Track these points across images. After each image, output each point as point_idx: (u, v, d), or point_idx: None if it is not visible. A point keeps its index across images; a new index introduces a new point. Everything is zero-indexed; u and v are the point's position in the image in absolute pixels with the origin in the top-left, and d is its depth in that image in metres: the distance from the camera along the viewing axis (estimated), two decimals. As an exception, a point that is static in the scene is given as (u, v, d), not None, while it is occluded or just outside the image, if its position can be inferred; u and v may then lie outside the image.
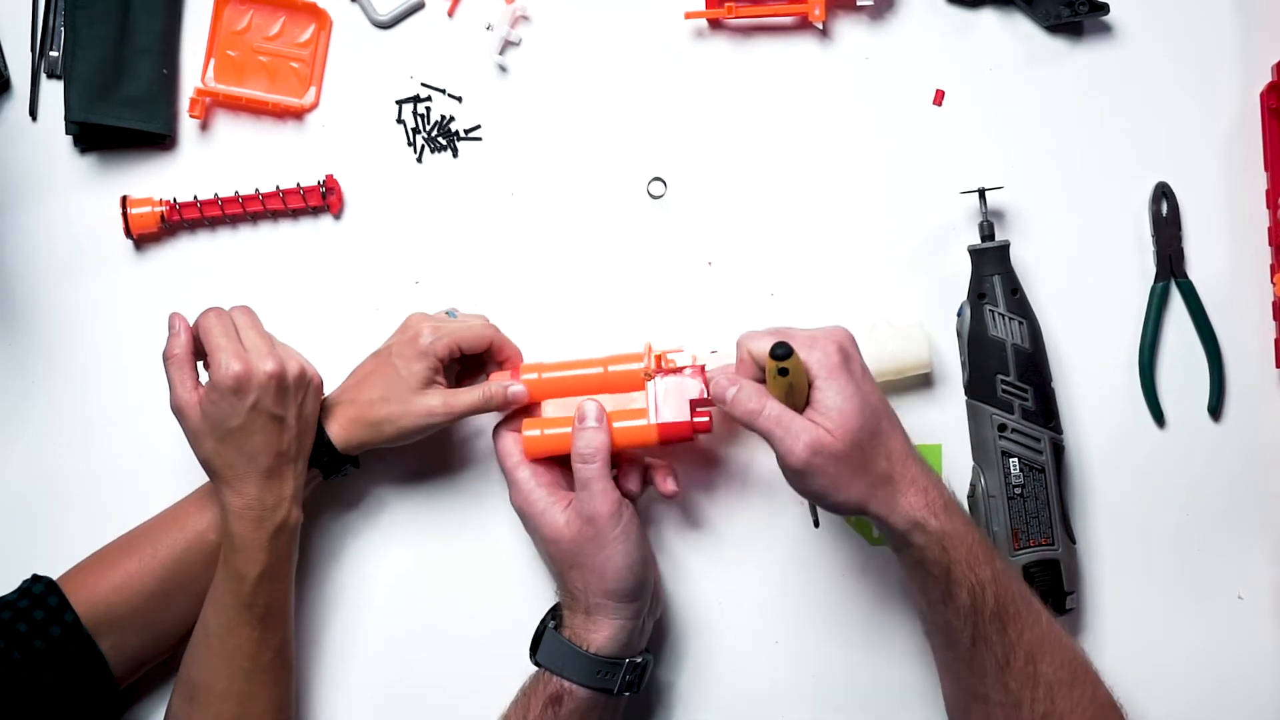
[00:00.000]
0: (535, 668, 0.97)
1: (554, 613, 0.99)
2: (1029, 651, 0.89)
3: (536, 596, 1.05)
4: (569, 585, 0.96)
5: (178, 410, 0.96)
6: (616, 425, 0.98)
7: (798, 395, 0.90)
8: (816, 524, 1.00)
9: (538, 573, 1.06)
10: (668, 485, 1.00)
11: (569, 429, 0.97)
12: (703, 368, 0.98)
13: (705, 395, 0.98)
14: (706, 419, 0.99)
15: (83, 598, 0.98)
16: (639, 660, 0.97)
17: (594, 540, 0.94)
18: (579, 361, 1.01)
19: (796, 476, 0.90)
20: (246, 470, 0.94)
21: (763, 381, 0.92)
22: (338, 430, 1.00)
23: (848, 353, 0.91)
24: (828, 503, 0.90)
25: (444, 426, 1.00)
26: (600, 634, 0.95)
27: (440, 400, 0.99)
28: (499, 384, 1.00)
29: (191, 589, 0.99)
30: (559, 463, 1.00)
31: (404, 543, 1.08)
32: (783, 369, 0.88)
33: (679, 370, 0.98)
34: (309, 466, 0.98)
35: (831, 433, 0.88)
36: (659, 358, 0.99)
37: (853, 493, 0.88)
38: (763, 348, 0.89)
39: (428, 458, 1.08)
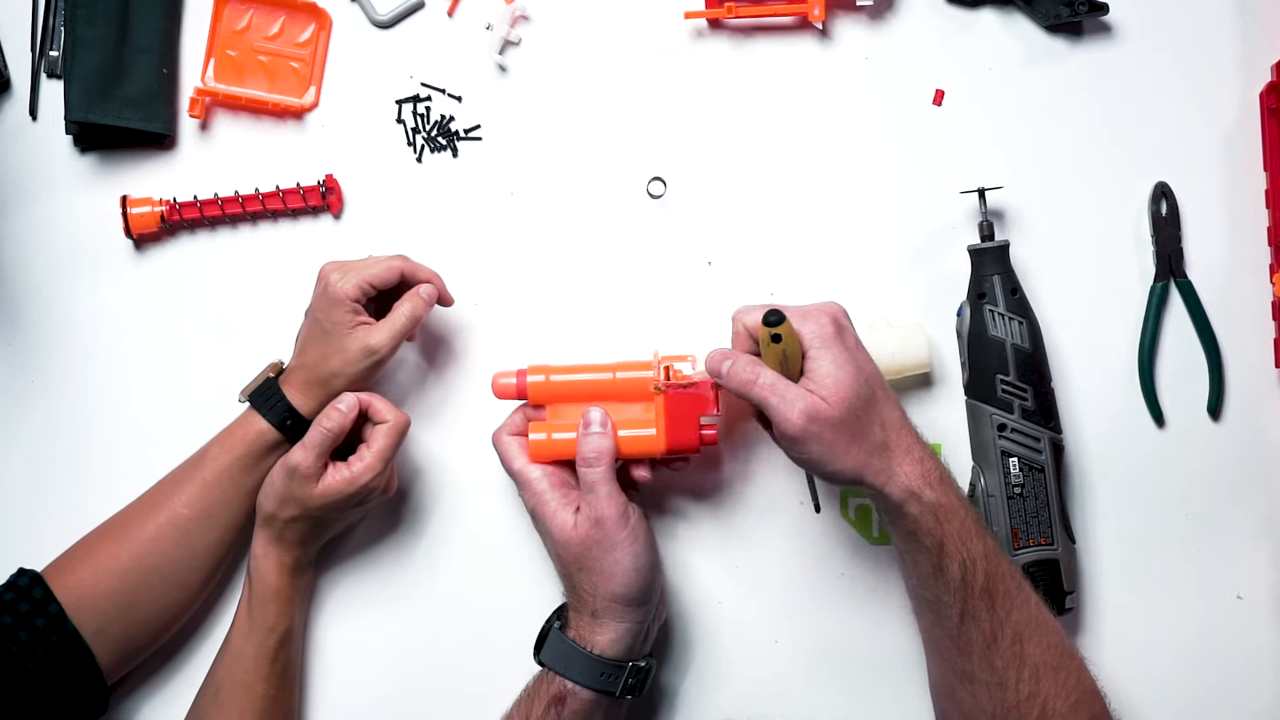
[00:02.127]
0: (539, 667, 0.97)
1: (559, 613, 0.99)
2: (1016, 631, 0.89)
3: (540, 595, 1.05)
4: (577, 587, 0.96)
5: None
6: (624, 434, 0.98)
7: (792, 364, 0.91)
8: (818, 509, 1.00)
9: (540, 571, 1.06)
10: (639, 472, 1.00)
11: (575, 434, 0.98)
12: (711, 382, 0.98)
13: (714, 410, 0.98)
14: (714, 432, 0.99)
15: (64, 587, 0.98)
16: (642, 664, 0.97)
17: (602, 543, 0.94)
18: (587, 366, 1.01)
19: (793, 444, 0.90)
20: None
21: (758, 354, 0.92)
22: (298, 396, 1.01)
23: (841, 324, 0.92)
24: (824, 471, 0.90)
25: (389, 359, 1.01)
26: (605, 636, 0.95)
27: (375, 336, 1.00)
28: (412, 293, 1.01)
29: (167, 569, 1.00)
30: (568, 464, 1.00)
31: (406, 539, 1.08)
32: (775, 335, 0.89)
33: (688, 384, 0.98)
34: (276, 432, 1.02)
35: (826, 400, 0.88)
36: (667, 369, 0.99)
37: (849, 460, 0.89)
38: (756, 319, 0.90)
39: (429, 459, 1.08)
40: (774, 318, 0.88)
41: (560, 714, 0.94)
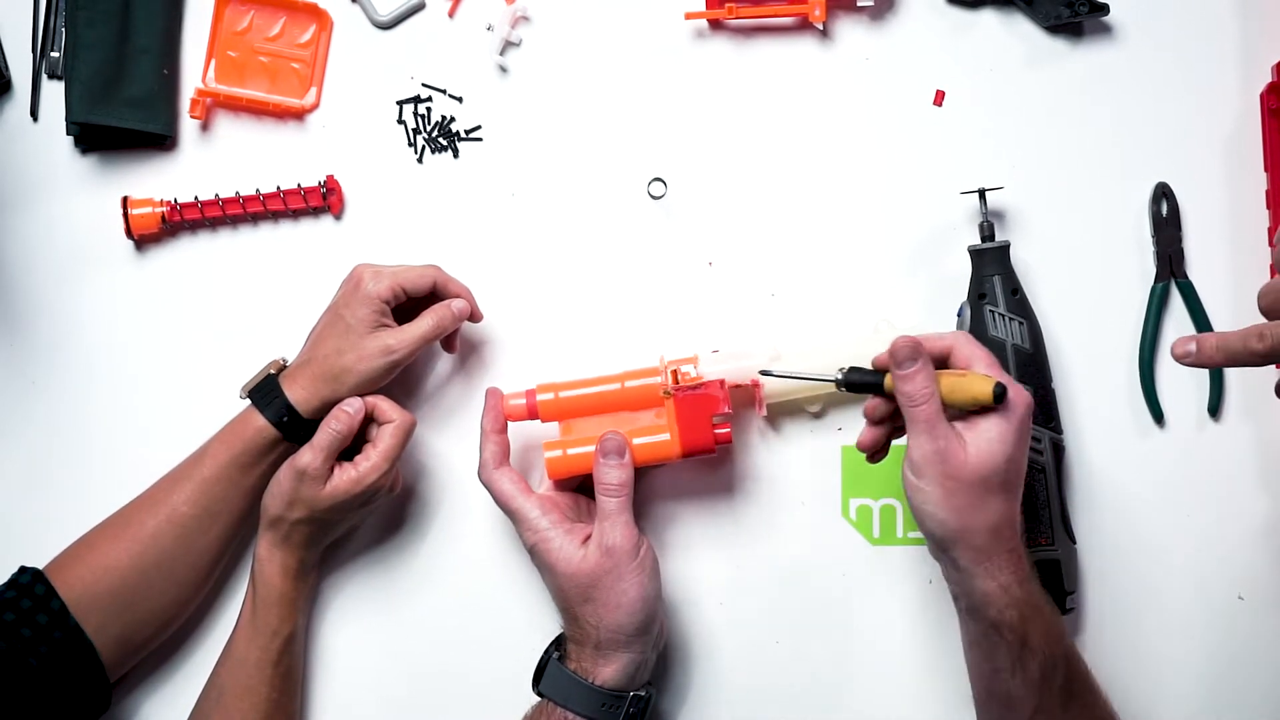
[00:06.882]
0: (537, 697, 0.97)
1: (558, 643, 0.98)
2: None
3: (543, 595, 1.04)
4: (580, 620, 0.95)
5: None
6: (638, 442, 0.98)
7: (961, 401, 0.87)
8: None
9: (537, 599, 1.05)
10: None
11: (590, 448, 0.97)
12: (720, 382, 0.98)
13: (726, 410, 0.98)
14: (727, 430, 0.99)
15: (65, 584, 0.98)
16: (643, 694, 0.96)
17: (611, 573, 0.94)
18: (595, 379, 1.01)
19: (910, 480, 0.87)
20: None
21: (939, 367, 0.89)
22: (299, 392, 1.00)
23: (1025, 419, 0.88)
24: (923, 518, 0.88)
25: (404, 364, 1.01)
26: (608, 669, 0.94)
27: (394, 337, 1.00)
28: (443, 305, 1.02)
29: (166, 566, 1.01)
30: (562, 487, 1.01)
31: (408, 544, 1.08)
32: (998, 396, 0.86)
33: (697, 384, 0.98)
34: (275, 430, 1.01)
35: (969, 459, 0.86)
36: (675, 372, 0.99)
37: (950, 523, 0.86)
38: (953, 349, 0.89)
39: (431, 460, 1.08)
40: (999, 390, 0.85)
41: None
